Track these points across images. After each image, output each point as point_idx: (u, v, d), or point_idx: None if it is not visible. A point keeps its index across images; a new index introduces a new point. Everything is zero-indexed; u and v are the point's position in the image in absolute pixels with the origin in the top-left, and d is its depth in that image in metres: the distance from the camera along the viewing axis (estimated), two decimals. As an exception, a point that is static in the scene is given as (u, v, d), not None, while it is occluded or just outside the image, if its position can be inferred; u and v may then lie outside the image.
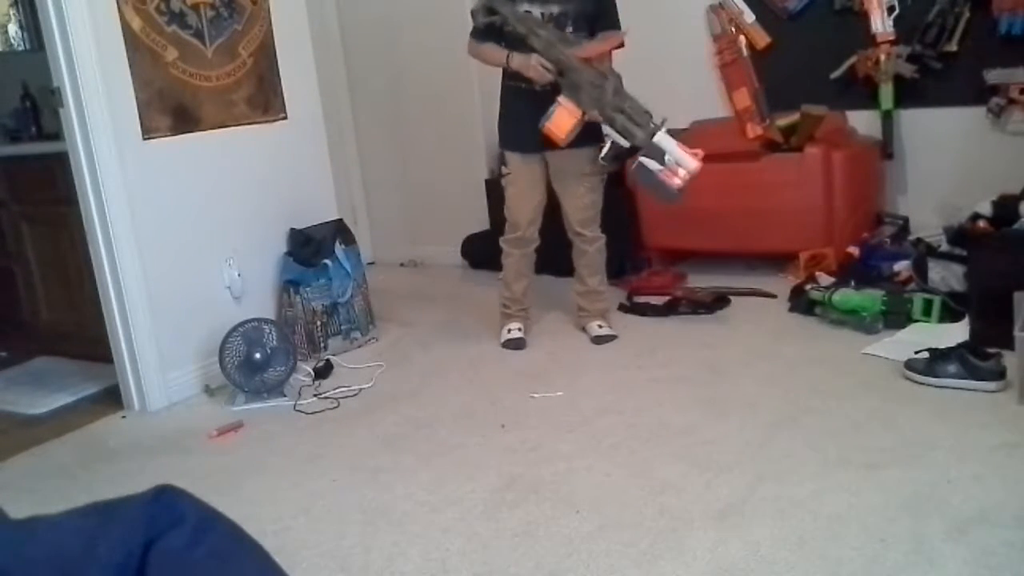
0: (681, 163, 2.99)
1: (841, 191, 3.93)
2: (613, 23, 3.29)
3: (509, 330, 3.57)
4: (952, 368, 2.71)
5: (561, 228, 3.51)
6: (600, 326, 3.55)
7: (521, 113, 3.28)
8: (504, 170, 3.51)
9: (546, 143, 3.19)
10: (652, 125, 3.04)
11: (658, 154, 3.02)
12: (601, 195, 3.47)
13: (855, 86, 4.13)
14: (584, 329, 3.59)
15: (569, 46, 3.11)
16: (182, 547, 0.84)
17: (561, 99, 3.09)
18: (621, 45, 3.24)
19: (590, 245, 3.50)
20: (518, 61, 3.16)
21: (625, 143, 3.09)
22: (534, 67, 3.11)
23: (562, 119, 3.09)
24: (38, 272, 3.91)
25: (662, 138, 3.02)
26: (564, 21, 3.19)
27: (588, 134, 3.22)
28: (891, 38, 4.01)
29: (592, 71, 3.08)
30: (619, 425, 2.72)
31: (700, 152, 3.03)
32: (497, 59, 3.27)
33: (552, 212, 3.52)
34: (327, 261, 3.71)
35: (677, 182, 3.01)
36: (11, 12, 4.36)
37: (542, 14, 3.17)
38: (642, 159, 3.06)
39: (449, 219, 5.11)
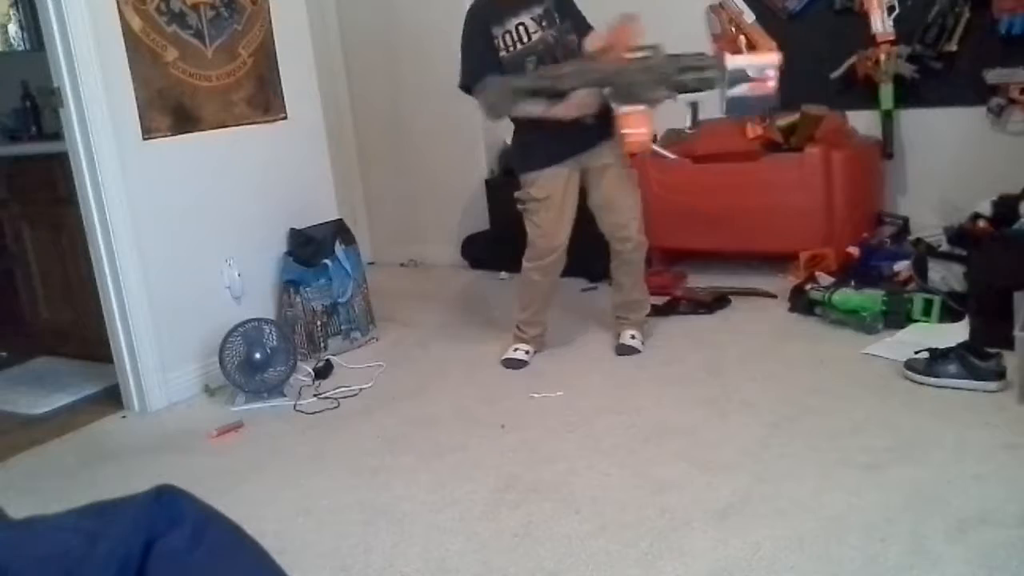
0: (765, 66, 2.85)
1: (841, 191, 3.93)
2: (581, 21, 3.18)
3: (516, 349, 3.37)
4: (952, 368, 2.71)
5: None
6: (633, 336, 3.36)
7: (544, 127, 3.08)
8: (526, 195, 3.22)
9: (575, 147, 3.10)
10: (713, 59, 2.91)
11: (739, 76, 2.83)
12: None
13: (855, 86, 4.13)
14: (617, 335, 3.41)
15: (581, 57, 3.01)
16: (182, 547, 0.84)
17: (621, 111, 2.94)
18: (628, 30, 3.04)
19: (638, 251, 3.30)
20: (562, 110, 2.99)
21: (699, 97, 2.91)
22: (577, 105, 2.97)
23: (634, 124, 2.93)
24: (38, 272, 3.92)
25: (731, 61, 2.85)
26: (552, 16, 3.13)
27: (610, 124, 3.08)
28: (891, 38, 4.01)
29: (632, 62, 2.91)
30: (619, 425, 2.72)
31: (771, 44, 2.97)
32: (539, 113, 3.05)
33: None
34: (327, 261, 3.71)
35: (771, 84, 2.85)
36: (11, 12, 4.36)
37: (532, 18, 3.11)
38: (731, 93, 2.87)
39: (449, 219, 5.11)
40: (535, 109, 3.04)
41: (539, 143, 3.17)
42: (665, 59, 2.90)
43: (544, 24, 3.12)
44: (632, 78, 2.90)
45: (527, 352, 3.37)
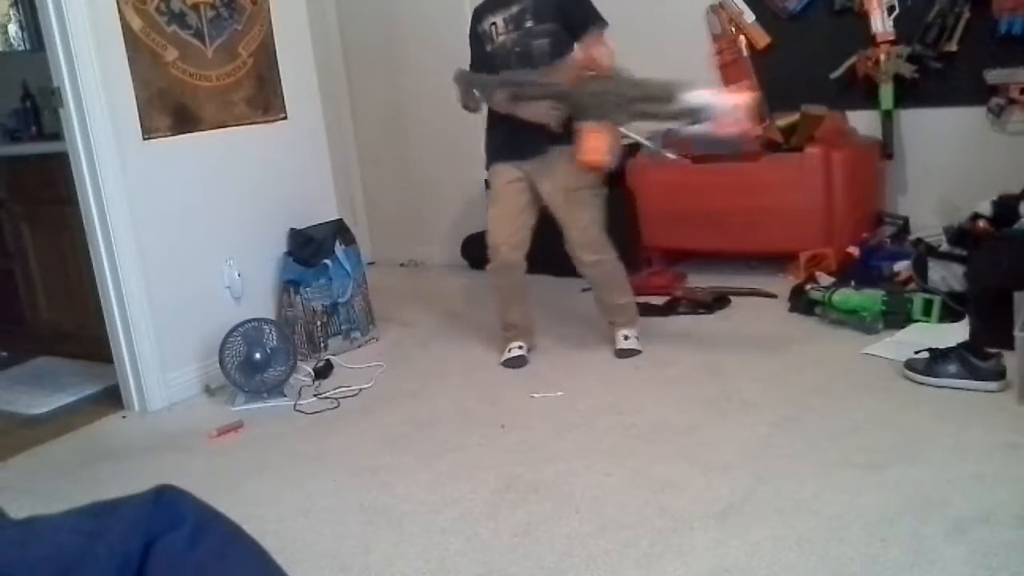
0: (733, 107, 2.70)
1: (841, 191, 3.93)
2: (586, 13, 3.09)
3: (510, 349, 3.37)
4: (952, 368, 2.71)
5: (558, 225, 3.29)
6: (626, 337, 3.34)
7: (506, 121, 3.12)
8: (488, 192, 3.26)
9: (521, 150, 3.11)
10: (677, 89, 2.77)
11: (704, 113, 2.71)
12: (601, 210, 3.22)
13: (855, 86, 4.13)
14: (613, 340, 3.38)
15: (542, 73, 3.01)
16: (182, 547, 0.84)
17: (579, 125, 2.92)
18: (602, 47, 3.03)
19: (597, 269, 3.25)
20: (531, 112, 3.01)
21: (644, 140, 2.97)
22: (545, 113, 2.98)
23: (591, 142, 2.88)
24: (38, 272, 3.92)
25: (692, 97, 2.72)
26: (523, 18, 3.08)
27: (567, 135, 3.03)
28: (891, 38, 4.01)
29: (585, 84, 2.91)
30: (619, 425, 2.72)
31: (744, 85, 2.88)
32: (508, 108, 3.08)
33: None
34: (327, 261, 3.71)
35: (732, 129, 2.72)
36: (11, 12, 4.36)
37: (503, 19, 3.10)
38: (691, 130, 2.89)
39: (449, 219, 5.11)
40: (503, 104, 3.07)
41: (493, 139, 3.26)
42: (625, 84, 2.88)
43: (510, 28, 3.10)
44: (581, 99, 2.91)
45: (520, 347, 3.38)
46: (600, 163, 2.94)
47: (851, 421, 2.58)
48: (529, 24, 3.09)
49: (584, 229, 3.19)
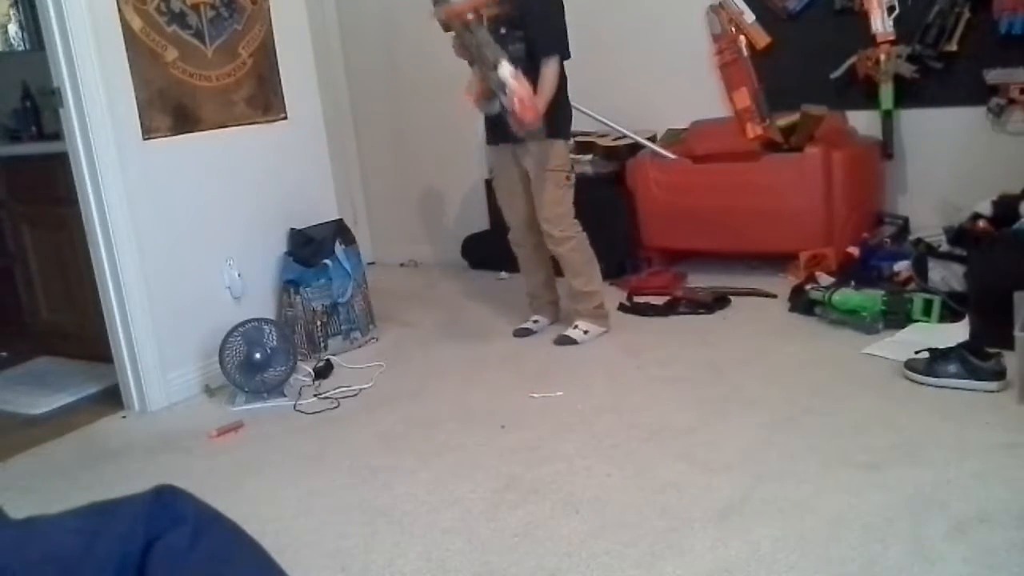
0: (512, 93, 3.00)
1: (841, 191, 3.93)
2: (541, 37, 3.23)
3: (527, 320, 3.69)
4: (952, 368, 2.71)
5: None
6: (576, 327, 3.52)
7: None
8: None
9: (506, 135, 3.23)
10: (498, 60, 3.04)
11: (504, 89, 3.03)
12: (569, 192, 3.41)
13: (855, 86, 4.13)
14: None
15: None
16: (182, 547, 0.84)
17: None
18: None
19: (559, 246, 3.43)
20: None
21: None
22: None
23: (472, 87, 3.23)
24: (38, 272, 3.92)
25: (502, 70, 3.01)
26: (497, 27, 3.21)
27: (548, 128, 3.21)
28: (891, 38, 4.01)
29: (468, 25, 3.12)
30: (619, 425, 2.72)
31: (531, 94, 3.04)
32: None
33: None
34: (327, 261, 3.71)
35: (521, 115, 3.02)
36: (11, 12, 4.36)
37: (499, 17, 3.22)
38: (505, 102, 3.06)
39: (449, 219, 5.11)
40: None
41: (490, 117, 3.36)
42: (483, 41, 3.10)
43: (503, 32, 3.21)
44: (467, 40, 3.15)
45: (535, 322, 3.67)
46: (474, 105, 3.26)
47: (851, 421, 2.58)
48: (503, 31, 3.21)
49: (553, 204, 3.38)
